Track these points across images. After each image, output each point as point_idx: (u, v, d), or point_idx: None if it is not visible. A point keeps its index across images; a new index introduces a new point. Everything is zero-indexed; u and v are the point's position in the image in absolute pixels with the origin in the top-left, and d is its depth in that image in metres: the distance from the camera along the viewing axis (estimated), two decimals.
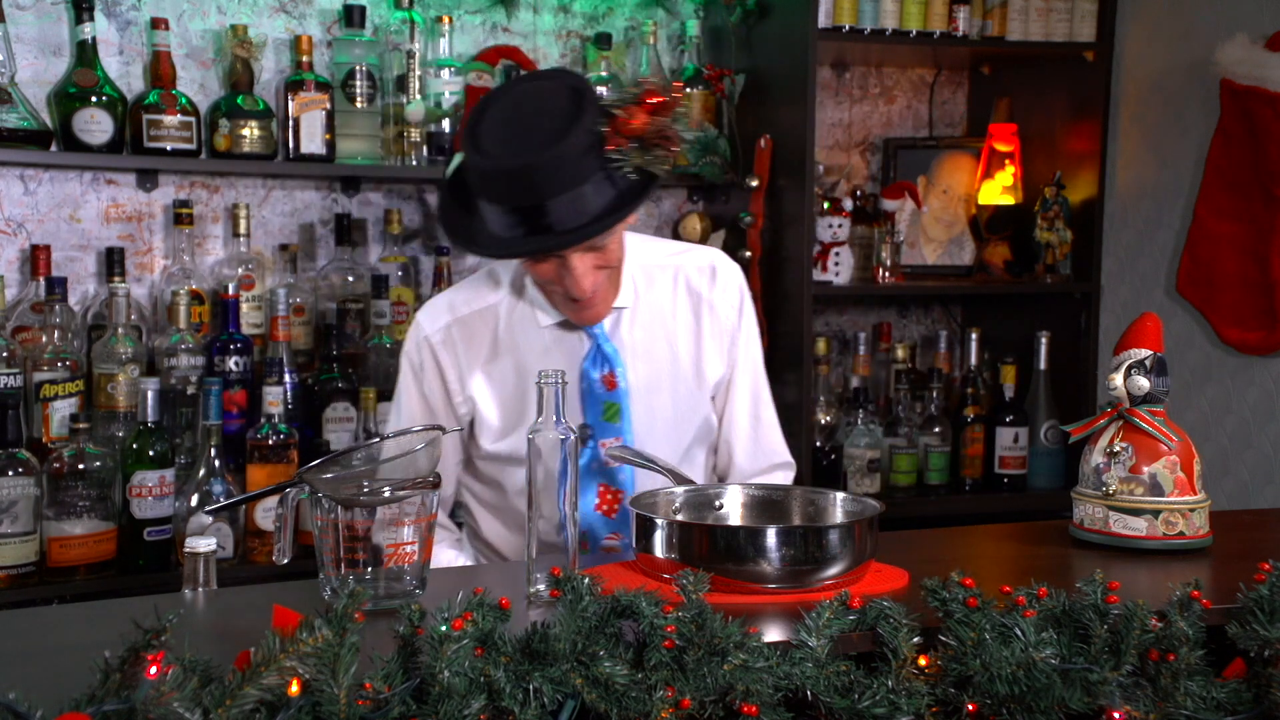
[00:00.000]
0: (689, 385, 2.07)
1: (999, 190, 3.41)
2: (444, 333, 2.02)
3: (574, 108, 1.78)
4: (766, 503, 1.78)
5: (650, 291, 2.06)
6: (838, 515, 1.72)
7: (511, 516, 2.09)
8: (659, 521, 1.59)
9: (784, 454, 2.19)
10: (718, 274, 2.10)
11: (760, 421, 2.15)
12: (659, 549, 1.57)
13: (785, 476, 2.19)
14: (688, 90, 1.77)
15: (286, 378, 2.79)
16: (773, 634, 1.32)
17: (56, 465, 2.52)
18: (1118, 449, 1.80)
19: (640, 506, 1.64)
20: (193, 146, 2.82)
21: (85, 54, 2.76)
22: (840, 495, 1.75)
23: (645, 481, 1.99)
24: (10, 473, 2.47)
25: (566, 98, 1.80)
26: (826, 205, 3.25)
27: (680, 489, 1.78)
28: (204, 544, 1.62)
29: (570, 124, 1.76)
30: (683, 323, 2.07)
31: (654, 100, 1.77)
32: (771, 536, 1.52)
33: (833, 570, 1.53)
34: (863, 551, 1.56)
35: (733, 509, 1.78)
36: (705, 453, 2.13)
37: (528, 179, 1.75)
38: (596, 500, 2.01)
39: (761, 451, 2.14)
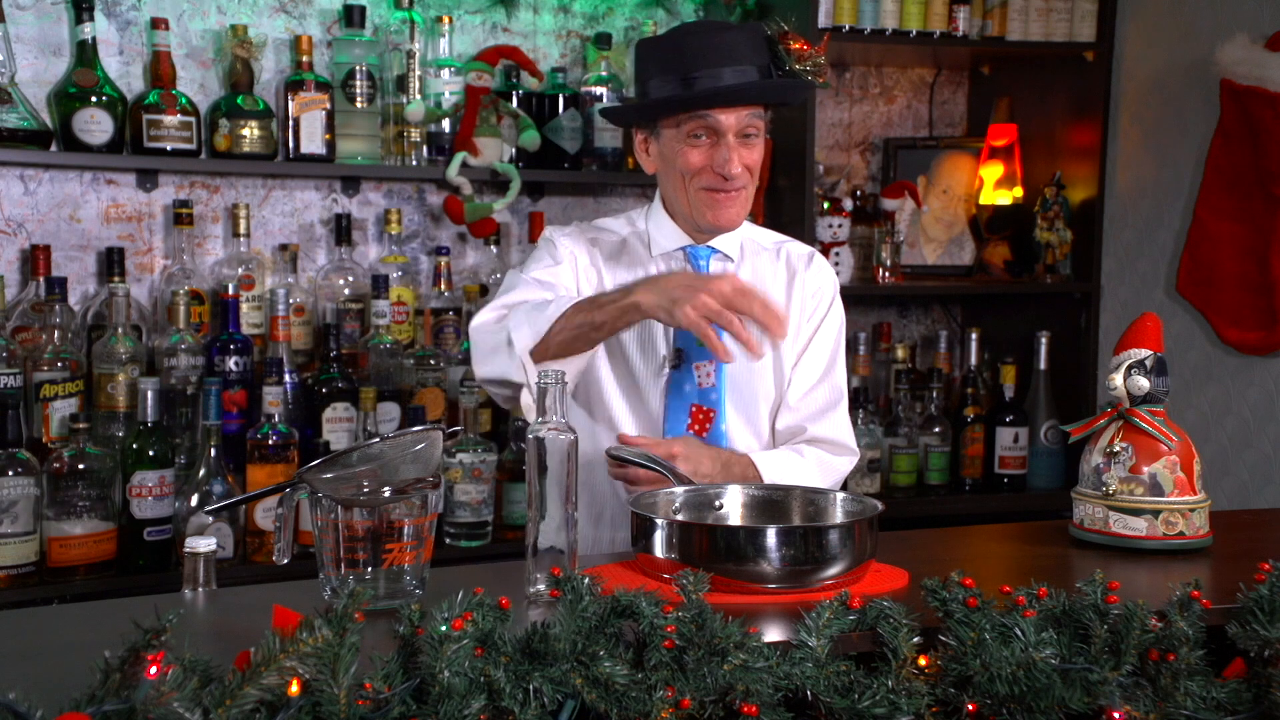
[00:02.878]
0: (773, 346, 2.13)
1: (997, 182, 3.41)
2: (570, 236, 2.17)
3: (746, 25, 2.16)
4: (767, 503, 1.78)
5: (754, 257, 2.20)
6: (838, 515, 1.72)
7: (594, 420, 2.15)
8: (659, 521, 1.59)
9: (847, 438, 2.20)
10: (814, 261, 2.23)
11: (825, 387, 2.18)
12: (659, 549, 1.57)
13: (844, 461, 2.20)
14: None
15: (286, 378, 2.79)
16: (773, 634, 1.32)
17: (56, 465, 2.52)
18: (1118, 449, 1.80)
19: (640, 506, 1.64)
20: (193, 146, 2.82)
21: (85, 54, 2.76)
22: (840, 495, 1.75)
23: (735, 405, 2.09)
24: (10, 473, 2.47)
25: (744, 25, 2.21)
26: (826, 205, 3.25)
27: (680, 489, 1.78)
28: (204, 544, 1.62)
29: (741, 26, 2.13)
30: (777, 288, 2.18)
31: (809, 46, 2.11)
32: (772, 536, 1.52)
33: (833, 570, 1.53)
34: (863, 551, 1.56)
35: (733, 509, 1.78)
36: (770, 422, 2.17)
37: (698, 47, 2.02)
38: (689, 421, 2.09)
39: (814, 412, 2.17)
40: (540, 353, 1.90)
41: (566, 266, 2.12)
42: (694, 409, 2.09)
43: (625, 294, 1.86)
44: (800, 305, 2.18)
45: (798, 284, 2.19)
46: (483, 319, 2.01)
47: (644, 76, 2.10)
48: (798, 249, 2.25)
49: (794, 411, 2.16)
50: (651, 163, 2.13)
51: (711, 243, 2.14)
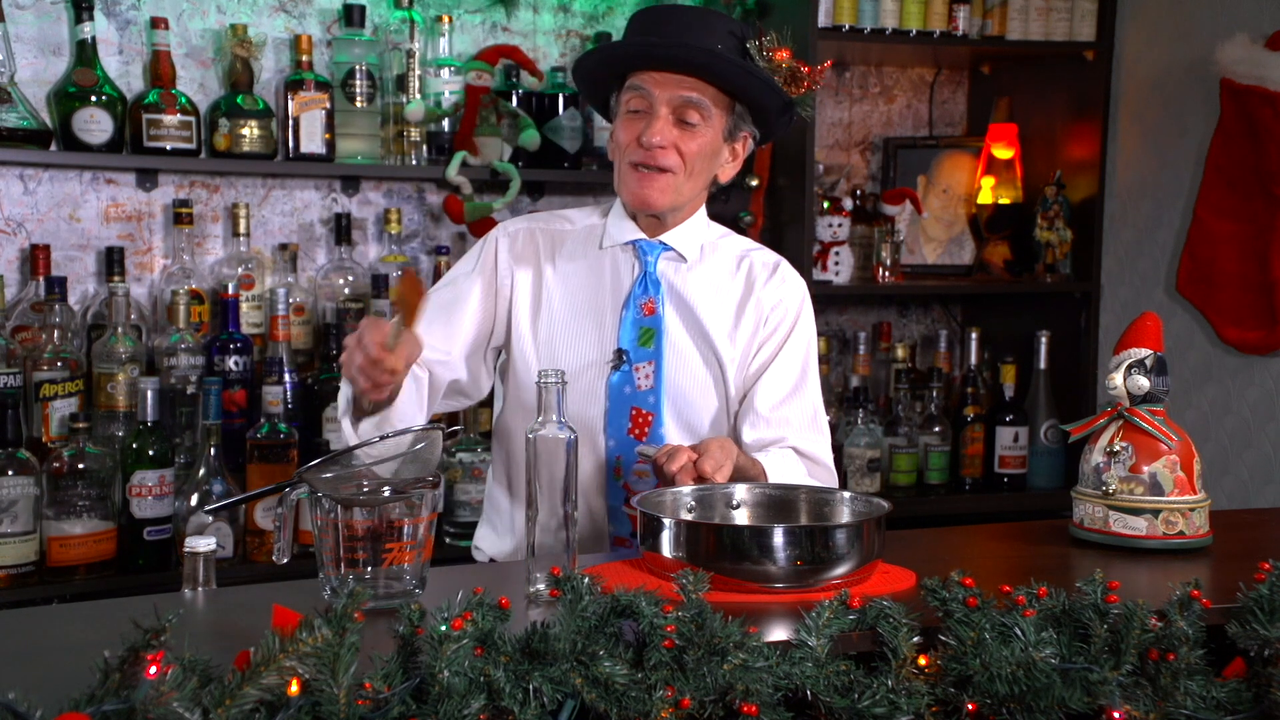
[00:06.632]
0: (715, 355, 2.09)
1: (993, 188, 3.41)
2: (513, 235, 2.13)
3: (731, 18, 2.10)
4: (776, 502, 1.78)
5: (714, 261, 2.13)
6: (845, 515, 1.72)
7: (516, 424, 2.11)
8: (666, 521, 1.59)
9: (829, 460, 2.13)
10: (778, 273, 2.15)
11: (796, 397, 2.11)
12: (666, 548, 1.57)
13: (813, 469, 2.12)
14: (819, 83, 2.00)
15: (286, 377, 2.79)
16: (776, 633, 1.32)
17: (56, 465, 2.52)
18: (1118, 448, 1.80)
19: (647, 505, 1.64)
20: (192, 146, 2.82)
21: (85, 53, 2.76)
22: (848, 495, 1.75)
23: (677, 416, 2.05)
24: (10, 472, 2.47)
25: (728, 16, 2.16)
26: (826, 205, 3.25)
27: (688, 488, 1.78)
28: (204, 544, 1.62)
29: (722, 15, 2.08)
30: (728, 300, 2.11)
31: (801, 63, 2.02)
32: (778, 536, 1.52)
33: (839, 570, 1.53)
34: (869, 551, 1.56)
35: (744, 507, 1.78)
36: (714, 430, 2.11)
37: (666, 16, 1.99)
38: (629, 425, 2.04)
39: (797, 427, 2.09)
40: (359, 411, 1.88)
41: (480, 275, 2.08)
42: (634, 411, 2.04)
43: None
44: (756, 319, 2.11)
45: (752, 301, 2.11)
46: None
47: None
48: (763, 259, 2.16)
49: (770, 424, 2.08)
50: (612, 148, 2.09)
51: (665, 239, 2.08)
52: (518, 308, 2.08)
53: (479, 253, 2.12)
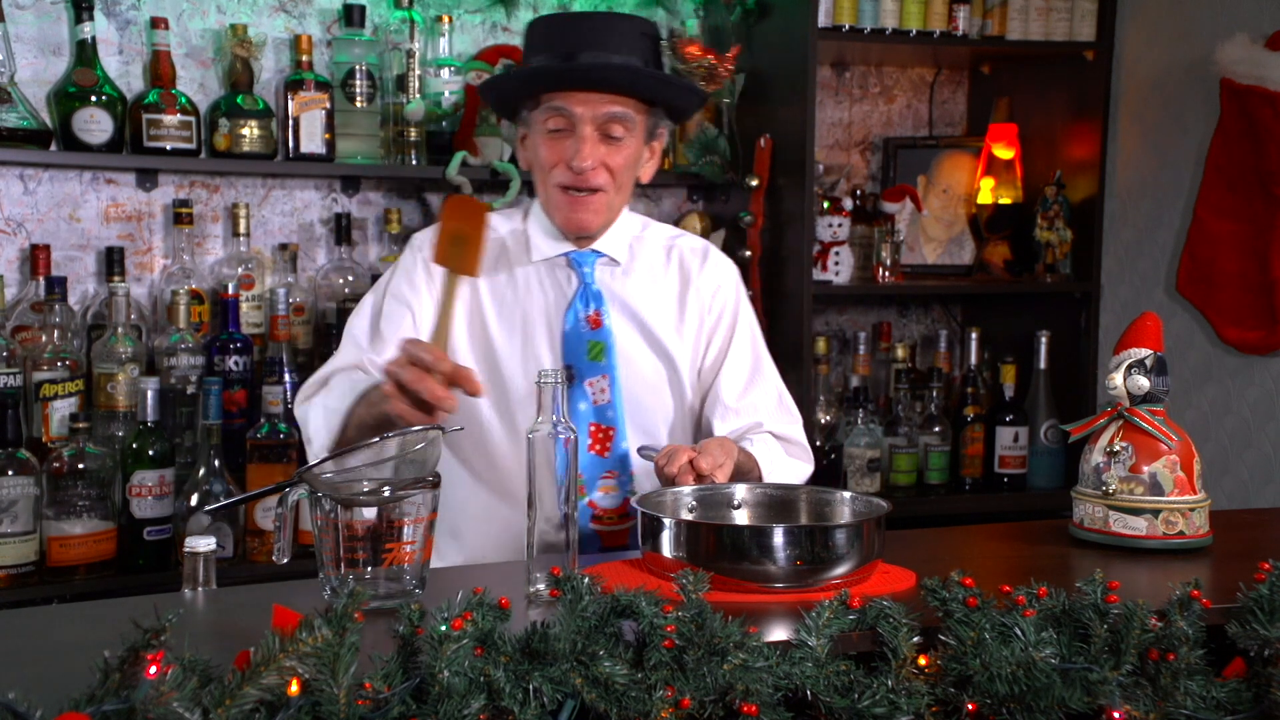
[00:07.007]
0: (665, 354, 2.08)
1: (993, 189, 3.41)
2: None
3: (637, 17, 2.05)
4: (777, 502, 1.78)
5: (644, 258, 2.11)
6: (845, 515, 1.72)
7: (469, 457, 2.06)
8: (666, 521, 1.59)
9: (805, 441, 2.14)
10: (709, 259, 2.14)
11: (757, 381, 2.12)
12: (666, 548, 1.57)
13: (807, 468, 2.13)
14: (734, 72, 1.93)
15: (286, 377, 2.79)
16: (776, 633, 1.32)
17: (56, 465, 2.52)
18: (1118, 448, 1.80)
19: (648, 505, 1.64)
20: (192, 146, 2.82)
21: (85, 53, 2.76)
22: (848, 495, 1.75)
23: (633, 422, 2.02)
24: (10, 472, 2.47)
25: (634, 16, 2.12)
26: (826, 205, 3.25)
27: (689, 488, 1.78)
28: (204, 544, 1.62)
29: (629, 16, 2.06)
30: (668, 295, 2.10)
31: (711, 54, 2.00)
32: (778, 536, 1.52)
33: (839, 570, 1.53)
34: (869, 551, 1.56)
35: (744, 507, 1.78)
36: (670, 439, 2.09)
37: (575, 27, 1.96)
38: (589, 441, 2.00)
39: (768, 412, 2.10)
40: (341, 443, 1.81)
41: (425, 286, 2.01)
42: (593, 428, 2.00)
43: (383, 401, 1.68)
44: (699, 309, 2.10)
45: (692, 292, 2.10)
46: (303, 396, 1.95)
47: (525, 58, 2.03)
48: (689, 245, 2.15)
49: (740, 414, 2.08)
50: (526, 158, 2.04)
51: (596, 246, 2.05)
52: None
53: (410, 265, 2.04)
